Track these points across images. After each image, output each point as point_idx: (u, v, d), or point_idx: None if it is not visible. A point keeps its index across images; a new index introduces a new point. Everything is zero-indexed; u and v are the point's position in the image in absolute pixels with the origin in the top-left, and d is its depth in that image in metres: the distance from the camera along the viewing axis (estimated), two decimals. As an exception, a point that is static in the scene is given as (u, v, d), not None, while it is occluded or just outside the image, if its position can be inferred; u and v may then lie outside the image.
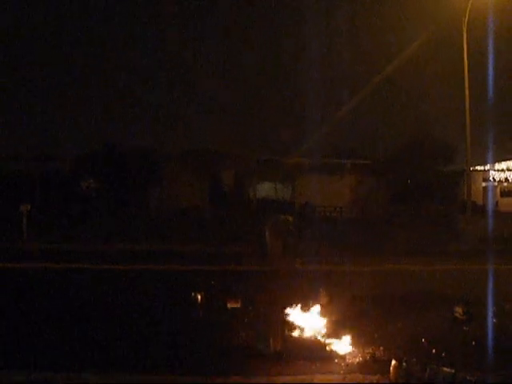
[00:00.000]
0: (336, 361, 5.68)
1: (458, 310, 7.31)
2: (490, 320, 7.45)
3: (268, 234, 11.88)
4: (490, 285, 9.78)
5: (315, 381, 5.22)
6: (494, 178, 38.29)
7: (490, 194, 30.86)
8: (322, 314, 6.68)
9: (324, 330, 6.35)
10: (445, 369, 5.08)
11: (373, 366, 5.53)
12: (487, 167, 37.33)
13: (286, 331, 6.37)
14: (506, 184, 35.97)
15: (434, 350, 5.92)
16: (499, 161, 39.43)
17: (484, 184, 34.52)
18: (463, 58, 19.75)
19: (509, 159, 39.98)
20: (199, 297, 8.29)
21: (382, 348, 5.98)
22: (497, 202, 29.19)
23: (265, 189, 30.34)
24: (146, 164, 27.96)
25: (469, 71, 19.67)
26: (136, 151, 28.82)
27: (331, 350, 5.90)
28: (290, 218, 12.18)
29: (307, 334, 6.35)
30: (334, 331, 6.26)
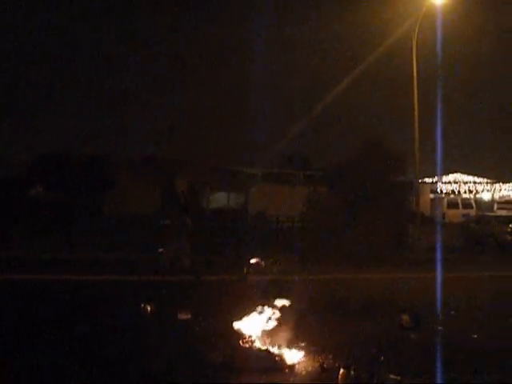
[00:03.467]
0: (285, 371, 5.63)
1: (405, 317, 7.42)
2: (436, 327, 7.60)
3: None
4: (438, 292, 10.00)
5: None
6: (441, 190, 39.54)
7: (438, 205, 31.74)
8: (272, 323, 6.62)
9: (273, 340, 6.29)
10: (392, 376, 5.13)
11: (321, 374, 5.52)
12: (435, 179, 38.51)
13: (236, 342, 6.28)
14: (452, 196, 37.17)
15: (382, 358, 5.97)
16: (446, 173, 40.79)
17: (432, 196, 35.54)
18: (413, 72, 20.28)
19: (455, 172, 41.43)
20: (149, 308, 8.12)
21: (330, 356, 5.98)
22: (444, 214, 30.04)
23: (218, 198, 30.21)
24: (99, 170, 27.35)
25: (418, 83, 20.21)
26: (88, 157, 28.17)
27: (280, 360, 5.85)
28: None
29: (257, 344, 6.27)
30: (284, 341, 6.21)
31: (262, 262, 12.44)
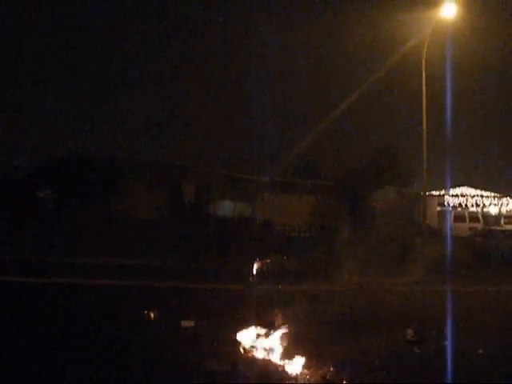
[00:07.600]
0: (287, 382, 5.62)
1: (410, 332, 7.39)
2: (441, 341, 7.55)
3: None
4: (444, 306, 9.95)
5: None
6: (448, 203, 39.32)
7: (448, 218, 31.62)
8: (276, 334, 6.61)
9: (277, 351, 6.28)
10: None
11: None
12: (442, 192, 38.33)
13: (239, 351, 6.28)
14: (459, 209, 36.94)
15: (384, 372, 5.94)
16: (454, 187, 40.55)
17: (439, 208, 35.37)
18: (422, 88, 20.38)
19: (462, 185, 41.19)
20: (152, 315, 8.12)
21: (333, 369, 5.96)
22: (451, 227, 29.86)
23: (225, 205, 30.20)
24: (106, 174, 27.42)
25: (427, 100, 20.29)
26: (96, 161, 28.26)
27: (283, 371, 5.84)
28: None
29: (260, 354, 6.27)
30: (287, 352, 6.20)
31: (267, 263, 12.44)
